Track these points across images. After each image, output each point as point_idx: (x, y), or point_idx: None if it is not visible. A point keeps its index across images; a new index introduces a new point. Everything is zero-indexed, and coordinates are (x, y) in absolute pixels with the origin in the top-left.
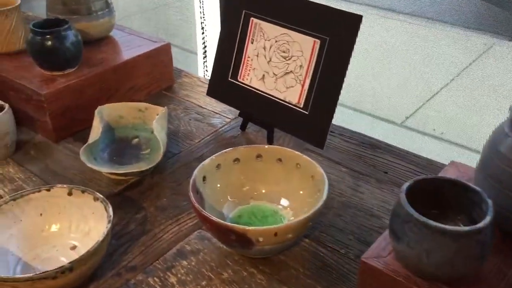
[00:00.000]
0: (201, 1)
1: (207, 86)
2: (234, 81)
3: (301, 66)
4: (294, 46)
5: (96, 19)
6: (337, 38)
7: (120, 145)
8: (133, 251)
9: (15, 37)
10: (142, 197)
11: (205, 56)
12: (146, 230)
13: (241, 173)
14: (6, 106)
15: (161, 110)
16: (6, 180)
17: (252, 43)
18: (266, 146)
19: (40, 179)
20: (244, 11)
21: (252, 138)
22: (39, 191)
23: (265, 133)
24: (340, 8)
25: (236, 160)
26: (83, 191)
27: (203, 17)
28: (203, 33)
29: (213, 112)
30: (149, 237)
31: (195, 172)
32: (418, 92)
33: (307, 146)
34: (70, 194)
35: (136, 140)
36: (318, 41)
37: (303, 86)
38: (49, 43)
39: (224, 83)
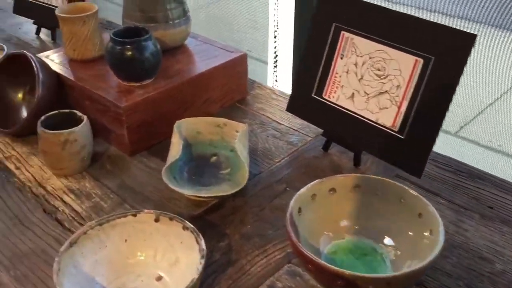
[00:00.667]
0: (276, 8)
1: (282, 99)
2: (319, 98)
3: (398, 86)
4: (391, 64)
5: (173, 27)
6: (444, 58)
7: (198, 163)
8: (220, 284)
9: (91, 44)
10: (224, 222)
11: (276, 66)
12: (232, 260)
13: (337, 205)
14: (85, 118)
15: (241, 127)
16: (83, 196)
17: (341, 58)
18: (364, 176)
19: (117, 196)
20: (334, 24)
21: (336, 159)
22: (125, 216)
23: (349, 155)
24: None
25: (332, 190)
26: (171, 219)
27: (277, 25)
28: (275, 41)
29: (292, 129)
30: (236, 269)
31: (291, 203)
32: (474, 100)
33: (398, 171)
34: (157, 220)
35: (214, 158)
36: (420, 60)
37: (399, 108)
38: (129, 53)
39: (307, 99)
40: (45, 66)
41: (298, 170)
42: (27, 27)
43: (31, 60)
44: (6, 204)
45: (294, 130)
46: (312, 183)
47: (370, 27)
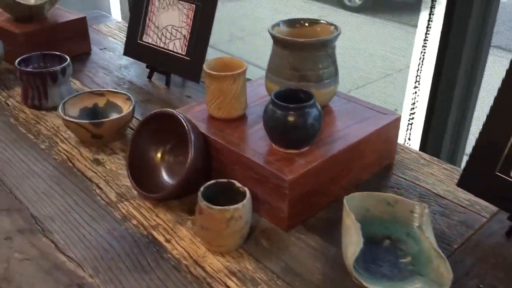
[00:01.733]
0: (420, 64)
1: (434, 165)
2: (505, 176)
3: None
4: None
5: (323, 87)
6: None
7: (371, 248)
8: None
9: (237, 102)
10: None
11: (411, 123)
12: None
13: None
14: (247, 192)
15: (418, 208)
16: (248, 281)
17: None
18: None
19: (285, 283)
20: None
21: None
22: None
23: None
24: None
25: None
26: None
27: (418, 81)
28: (414, 98)
29: (459, 205)
30: None
31: None
32: None
33: None
34: None
35: (387, 241)
36: None
37: None
38: (292, 119)
39: (488, 176)
40: (194, 127)
41: (485, 261)
42: (136, 69)
43: (182, 120)
44: (166, 286)
45: (462, 207)
46: None
47: None
